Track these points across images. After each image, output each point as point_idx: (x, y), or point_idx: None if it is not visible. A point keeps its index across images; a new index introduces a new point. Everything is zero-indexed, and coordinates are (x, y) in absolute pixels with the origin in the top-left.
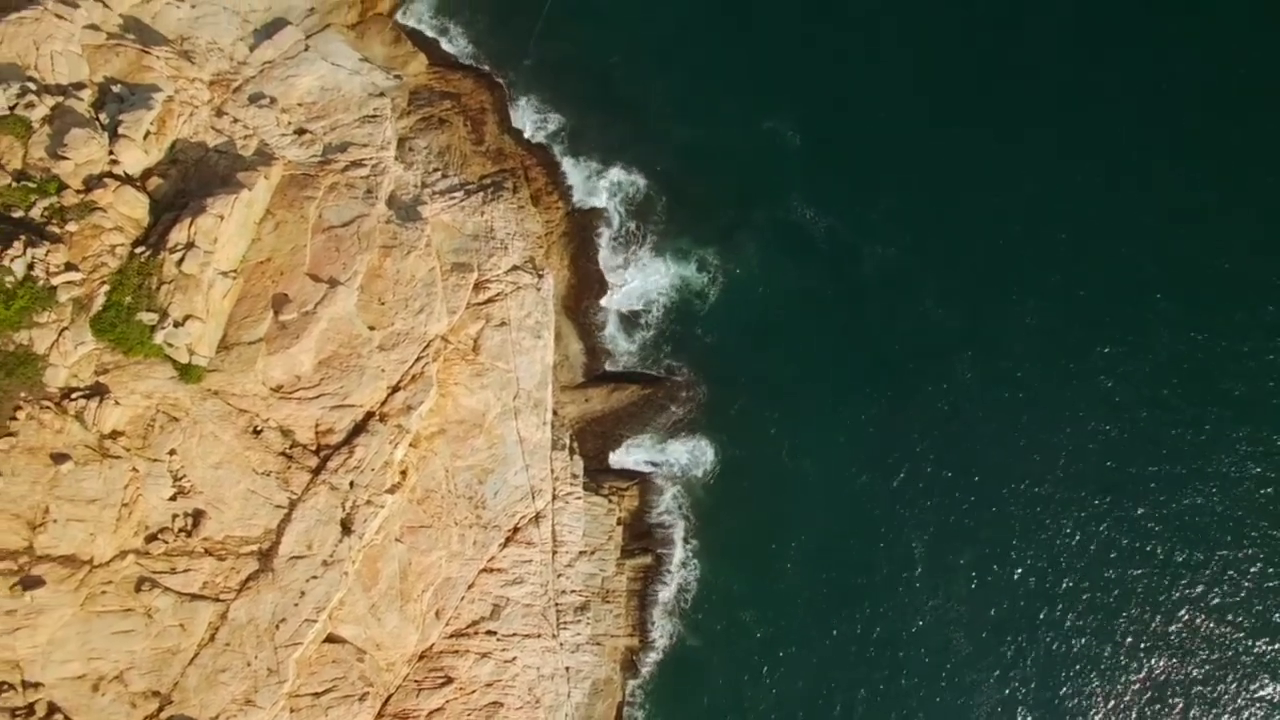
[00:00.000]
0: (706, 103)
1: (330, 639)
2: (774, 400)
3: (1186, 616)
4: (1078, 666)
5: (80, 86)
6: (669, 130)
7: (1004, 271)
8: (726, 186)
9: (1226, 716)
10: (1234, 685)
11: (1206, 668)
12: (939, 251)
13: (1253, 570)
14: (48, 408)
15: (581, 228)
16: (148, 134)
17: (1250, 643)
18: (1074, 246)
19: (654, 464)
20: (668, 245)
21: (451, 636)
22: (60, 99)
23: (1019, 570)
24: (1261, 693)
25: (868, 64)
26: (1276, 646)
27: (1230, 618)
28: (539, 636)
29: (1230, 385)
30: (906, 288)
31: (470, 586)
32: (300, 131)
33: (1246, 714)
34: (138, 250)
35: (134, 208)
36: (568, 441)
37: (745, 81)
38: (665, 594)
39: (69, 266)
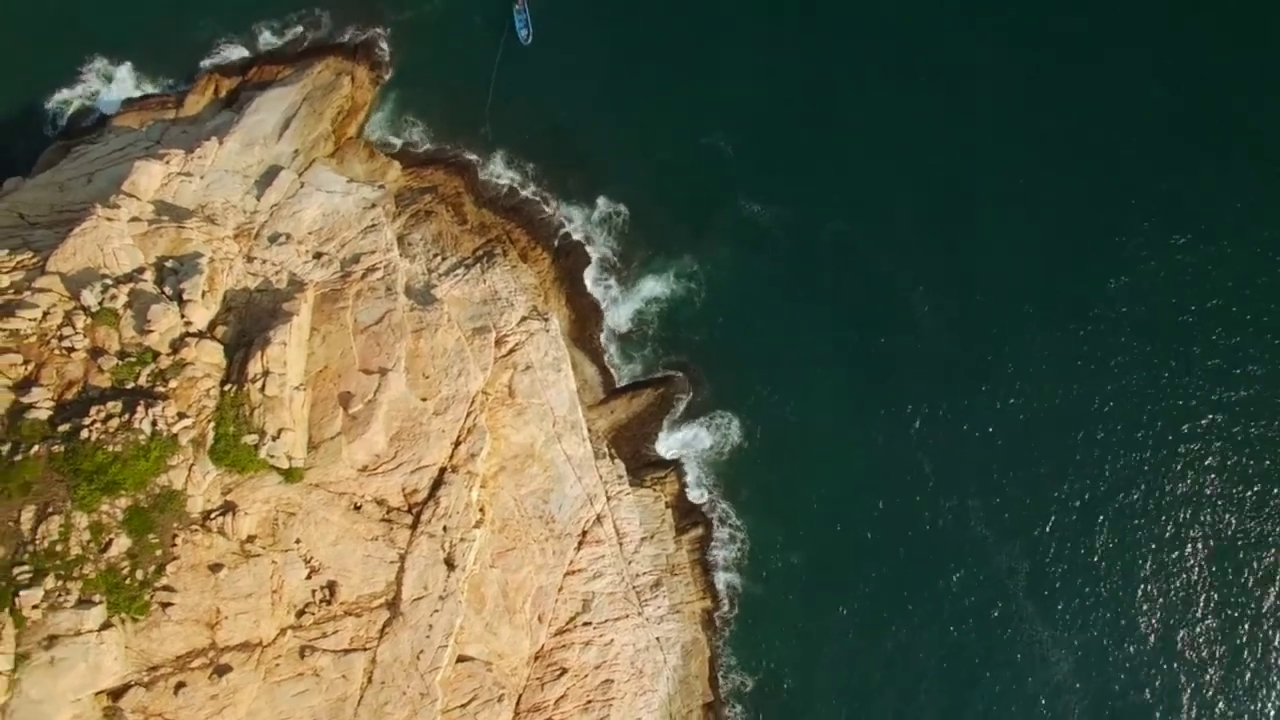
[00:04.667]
0: (647, 134)
1: (461, 659)
2: (771, 371)
3: (1184, 507)
4: (1086, 559)
5: (141, 270)
6: (621, 165)
7: (934, 219)
8: (683, 201)
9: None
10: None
11: (1212, 553)
12: (875, 214)
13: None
14: (196, 530)
15: (568, 270)
16: (204, 293)
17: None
18: (997, 187)
19: (683, 449)
20: (645, 264)
21: (556, 635)
22: (131, 284)
23: (1010, 471)
24: None
25: (776, 78)
26: None
27: (1233, 510)
28: (627, 617)
29: (1187, 304)
30: (856, 252)
31: (560, 590)
32: (317, 255)
33: None
34: (225, 388)
35: (213, 355)
36: (606, 450)
37: (676, 108)
38: (722, 556)
39: (180, 415)
